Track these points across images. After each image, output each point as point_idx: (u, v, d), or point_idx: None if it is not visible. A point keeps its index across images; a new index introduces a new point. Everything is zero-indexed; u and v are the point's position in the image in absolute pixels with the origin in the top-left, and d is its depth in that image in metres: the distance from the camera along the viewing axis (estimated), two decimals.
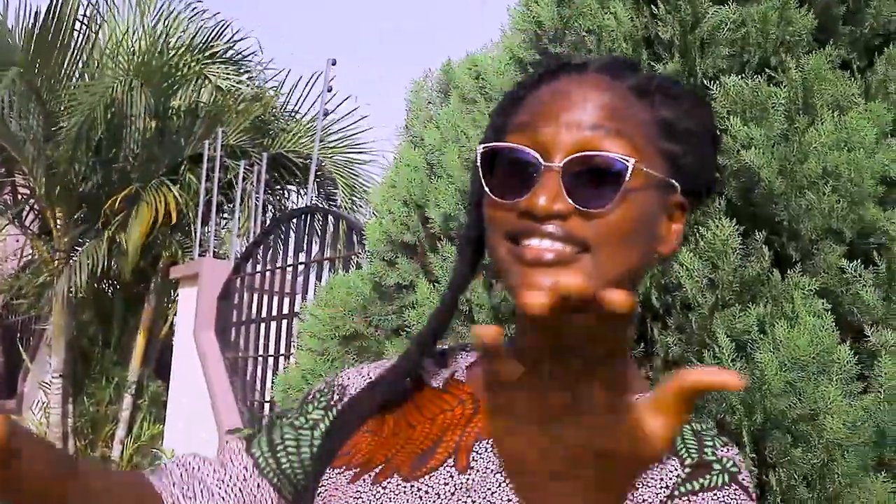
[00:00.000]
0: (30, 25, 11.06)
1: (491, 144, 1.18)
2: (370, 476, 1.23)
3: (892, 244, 2.68)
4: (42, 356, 13.77)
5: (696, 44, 3.05)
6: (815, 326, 2.50)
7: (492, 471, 1.18)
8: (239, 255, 9.82)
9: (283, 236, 9.36)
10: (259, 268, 9.37)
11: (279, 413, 1.35)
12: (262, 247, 9.45)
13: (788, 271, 2.70)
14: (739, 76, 2.94)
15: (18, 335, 16.01)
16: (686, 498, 1.15)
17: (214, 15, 12.85)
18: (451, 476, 1.20)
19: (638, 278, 1.24)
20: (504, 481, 1.16)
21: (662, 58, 3.10)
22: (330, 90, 10.51)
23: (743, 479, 1.19)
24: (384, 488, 1.21)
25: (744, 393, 2.56)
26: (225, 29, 12.48)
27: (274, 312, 8.91)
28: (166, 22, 12.53)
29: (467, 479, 1.19)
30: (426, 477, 1.21)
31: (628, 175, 1.12)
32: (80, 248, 11.64)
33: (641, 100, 1.21)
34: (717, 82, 2.97)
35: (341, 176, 12.39)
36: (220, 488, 1.30)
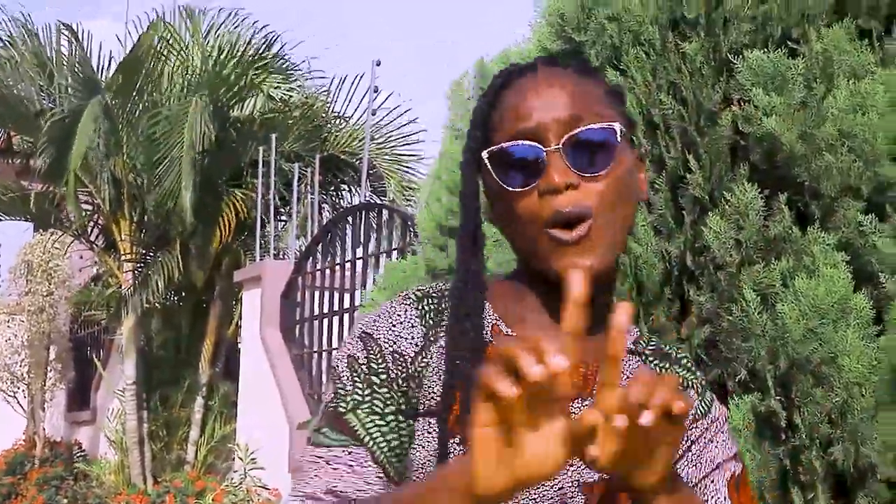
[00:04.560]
0: (109, 59, 11.71)
1: (494, 148, 1.38)
2: None
3: None
4: (114, 366, 14.01)
5: (720, 21, 3.22)
6: (832, 277, 2.68)
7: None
8: (299, 255, 10.05)
9: (340, 234, 9.57)
10: (319, 266, 9.59)
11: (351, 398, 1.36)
12: (321, 245, 9.67)
13: (809, 228, 2.87)
14: (762, 50, 3.11)
15: (88, 349, 16.34)
16: (703, 419, 1.49)
17: (263, 27, 12.98)
18: None
19: (627, 236, 1.45)
20: None
21: (689, 37, 3.27)
22: (376, 90, 10.72)
23: (708, 388, 1.53)
24: None
25: (769, 341, 2.75)
26: (274, 41, 12.73)
27: (336, 307, 9.11)
28: (217, 37, 12.83)
29: None
30: None
31: (618, 137, 1.35)
32: (147, 259, 11.89)
33: (588, 77, 1.43)
34: (741, 56, 3.14)
35: (392, 172, 12.60)
36: None
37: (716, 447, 1.49)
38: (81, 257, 14.70)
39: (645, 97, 3.27)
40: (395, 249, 8.20)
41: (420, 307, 1.43)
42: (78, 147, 10.55)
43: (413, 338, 1.40)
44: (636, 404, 1.06)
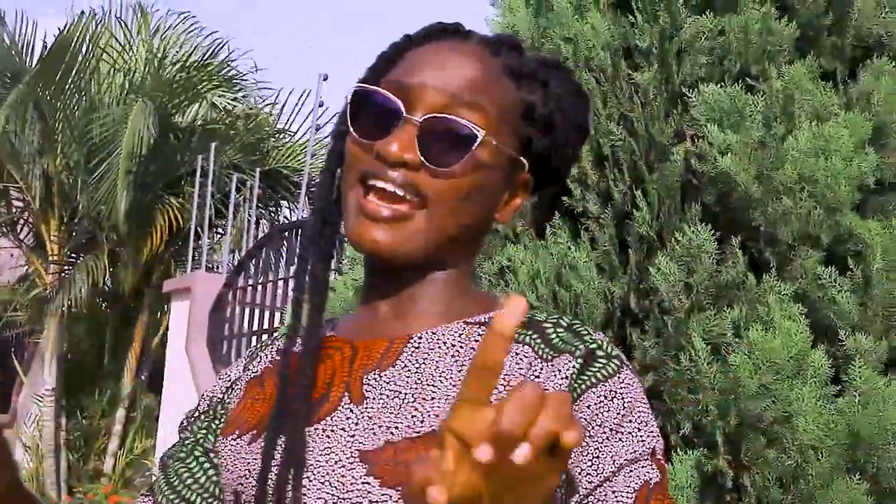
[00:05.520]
0: (39, 45, 11.38)
1: (364, 86, 1.25)
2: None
3: (868, 251, 2.69)
4: (36, 370, 13.71)
5: (673, 51, 3.07)
6: (789, 330, 2.51)
7: (387, 395, 1.20)
8: (231, 269, 9.81)
9: (274, 250, 9.36)
10: (251, 281, 9.37)
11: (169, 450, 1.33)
12: (254, 260, 9.44)
13: (764, 276, 2.70)
14: (718, 84, 2.95)
15: (13, 349, 15.97)
16: (592, 389, 1.19)
17: (211, 34, 12.75)
18: (351, 410, 1.21)
19: (476, 237, 1.31)
20: (402, 402, 1.19)
21: (641, 66, 3.12)
22: (322, 105, 10.56)
23: (624, 360, 1.25)
24: None
25: (718, 395, 2.57)
26: (220, 48, 12.51)
27: (265, 325, 8.91)
28: (163, 37, 12.59)
29: (367, 408, 1.20)
30: (327, 418, 1.21)
31: (476, 145, 1.20)
32: (77, 261, 11.61)
33: (511, 80, 1.29)
34: (696, 90, 2.98)
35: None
36: None
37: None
38: (12, 255, 14.35)
39: (594, 126, 3.09)
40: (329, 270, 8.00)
41: (259, 345, 1.42)
42: None
43: (230, 376, 1.39)
44: (510, 433, 0.77)
